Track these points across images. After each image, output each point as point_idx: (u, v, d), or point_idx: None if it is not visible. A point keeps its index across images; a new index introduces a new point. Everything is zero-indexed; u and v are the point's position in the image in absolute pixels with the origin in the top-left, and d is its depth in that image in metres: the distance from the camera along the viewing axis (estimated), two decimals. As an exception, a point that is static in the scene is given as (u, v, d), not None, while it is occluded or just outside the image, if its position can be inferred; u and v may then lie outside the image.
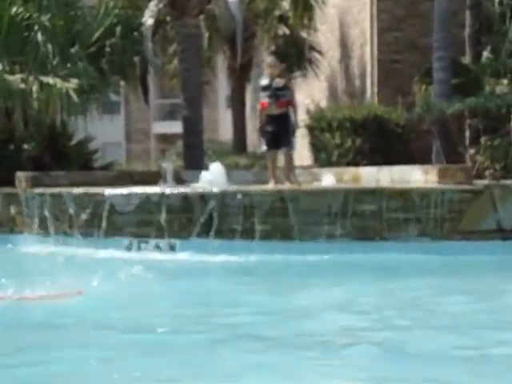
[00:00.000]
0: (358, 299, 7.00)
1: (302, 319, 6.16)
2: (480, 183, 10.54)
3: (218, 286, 8.06)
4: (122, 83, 16.93)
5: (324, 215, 9.52)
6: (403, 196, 9.67)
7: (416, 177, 10.71)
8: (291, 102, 10.68)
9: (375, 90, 18.91)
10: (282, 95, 10.48)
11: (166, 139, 32.54)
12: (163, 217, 9.85)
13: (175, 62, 20.41)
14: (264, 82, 10.67)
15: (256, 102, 28.10)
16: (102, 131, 20.67)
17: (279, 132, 10.52)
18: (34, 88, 13.96)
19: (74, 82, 14.09)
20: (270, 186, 10.74)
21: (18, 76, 14.29)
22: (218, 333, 5.57)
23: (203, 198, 9.74)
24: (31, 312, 6.52)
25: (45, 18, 14.97)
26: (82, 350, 5.12)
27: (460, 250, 9.35)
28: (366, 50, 19.34)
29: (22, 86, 14.07)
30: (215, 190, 9.90)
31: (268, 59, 10.90)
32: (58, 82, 13.96)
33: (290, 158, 10.77)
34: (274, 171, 10.84)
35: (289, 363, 4.75)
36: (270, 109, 10.53)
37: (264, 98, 10.61)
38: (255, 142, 27.52)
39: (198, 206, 9.73)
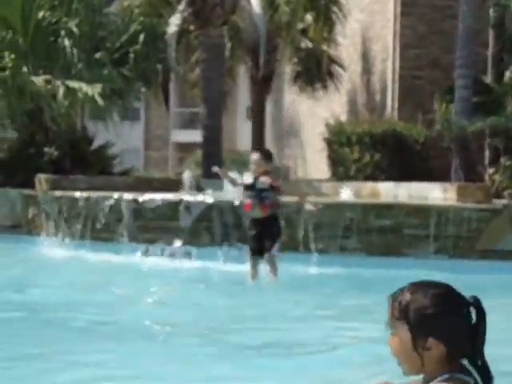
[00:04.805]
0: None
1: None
2: (499, 202, 10.53)
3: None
4: (143, 90, 17.02)
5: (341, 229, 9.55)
6: (421, 213, 9.67)
7: (434, 194, 10.71)
8: (277, 204, 9.21)
9: (395, 105, 18.92)
10: (266, 197, 9.01)
11: (184, 147, 32.66)
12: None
13: (197, 70, 20.53)
14: (247, 180, 9.22)
15: (277, 114, 28.16)
16: (122, 137, 20.74)
17: (263, 237, 9.12)
18: (61, 91, 14.06)
19: (98, 87, 14.20)
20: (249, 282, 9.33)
21: (43, 77, 14.37)
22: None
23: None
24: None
25: (72, 24, 15.10)
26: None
27: (477, 268, 9.34)
28: (387, 66, 19.37)
29: (48, 87, 14.16)
30: None
31: (253, 156, 9.01)
32: (84, 86, 14.07)
33: (273, 262, 9.23)
34: (254, 276, 9.32)
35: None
36: (252, 211, 9.13)
37: (247, 199, 9.14)
38: (274, 152, 27.56)
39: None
